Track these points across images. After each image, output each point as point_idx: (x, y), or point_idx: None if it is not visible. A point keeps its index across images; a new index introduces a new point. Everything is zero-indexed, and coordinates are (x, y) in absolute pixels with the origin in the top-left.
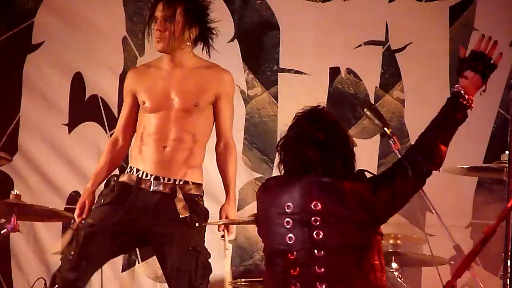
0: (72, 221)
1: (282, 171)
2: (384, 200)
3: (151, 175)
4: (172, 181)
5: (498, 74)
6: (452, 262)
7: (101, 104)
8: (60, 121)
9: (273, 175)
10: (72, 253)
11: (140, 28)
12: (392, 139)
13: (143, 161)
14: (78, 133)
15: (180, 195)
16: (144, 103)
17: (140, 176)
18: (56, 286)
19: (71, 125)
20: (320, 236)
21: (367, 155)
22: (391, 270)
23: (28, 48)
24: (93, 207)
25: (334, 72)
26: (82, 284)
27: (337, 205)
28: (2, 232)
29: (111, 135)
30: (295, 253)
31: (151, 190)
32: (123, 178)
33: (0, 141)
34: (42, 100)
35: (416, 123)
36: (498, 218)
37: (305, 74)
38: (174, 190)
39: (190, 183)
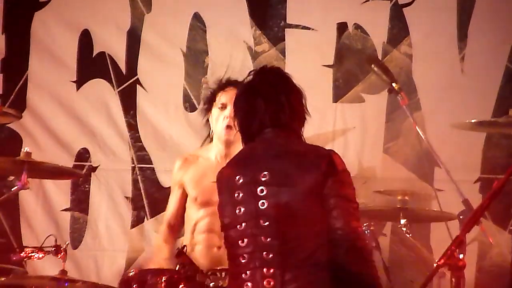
0: None
1: (237, 127)
2: (330, 187)
3: (207, 272)
4: None
5: (505, 27)
6: (461, 217)
7: (108, 61)
8: (68, 78)
9: None
10: None
11: None
12: (399, 95)
13: (196, 260)
14: (86, 90)
15: None
16: (196, 199)
17: None
18: None
19: (79, 82)
20: (265, 206)
21: (374, 111)
22: (399, 226)
23: (35, 5)
24: None
25: (341, 27)
26: None
27: (287, 173)
28: (12, 189)
29: (119, 92)
30: (243, 224)
31: (210, 285)
32: None
33: (8, 99)
34: (50, 58)
35: (424, 78)
36: (507, 172)
37: (313, 29)
38: None
39: None
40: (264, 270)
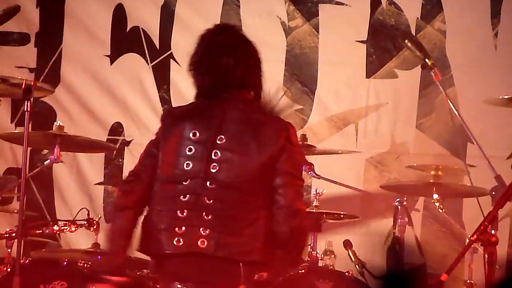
0: None
1: (197, 91)
2: (282, 162)
3: None
4: None
5: None
6: (493, 193)
7: (142, 35)
8: (102, 52)
9: (313, 106)
10: None
11: None
12: (433, 70)
13: None
14: (120, 64)
15: None
16: None
17: None
18: None
19: (113, 57)
20: (215, 170)
21: (408, 87)
22: (432, 201)
23: None
24: None
25: (375, 3)
26: None
27: (244, 142)
28: (45, 162)
29: (152, 66)
30: (189, 180)
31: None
32: None
33: (42, 73)
34: (84, 32)
35: (457, 54)
36: None
37: (346, 5)
38: None
39: None
40: (201, 229)
